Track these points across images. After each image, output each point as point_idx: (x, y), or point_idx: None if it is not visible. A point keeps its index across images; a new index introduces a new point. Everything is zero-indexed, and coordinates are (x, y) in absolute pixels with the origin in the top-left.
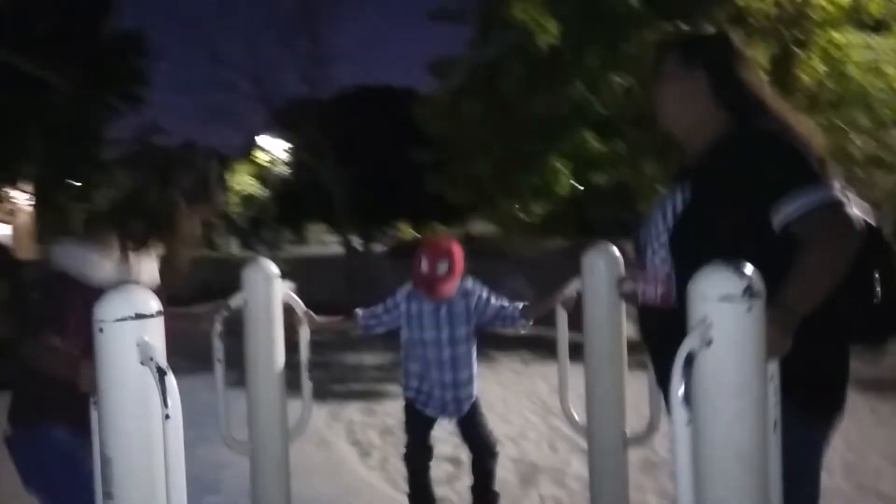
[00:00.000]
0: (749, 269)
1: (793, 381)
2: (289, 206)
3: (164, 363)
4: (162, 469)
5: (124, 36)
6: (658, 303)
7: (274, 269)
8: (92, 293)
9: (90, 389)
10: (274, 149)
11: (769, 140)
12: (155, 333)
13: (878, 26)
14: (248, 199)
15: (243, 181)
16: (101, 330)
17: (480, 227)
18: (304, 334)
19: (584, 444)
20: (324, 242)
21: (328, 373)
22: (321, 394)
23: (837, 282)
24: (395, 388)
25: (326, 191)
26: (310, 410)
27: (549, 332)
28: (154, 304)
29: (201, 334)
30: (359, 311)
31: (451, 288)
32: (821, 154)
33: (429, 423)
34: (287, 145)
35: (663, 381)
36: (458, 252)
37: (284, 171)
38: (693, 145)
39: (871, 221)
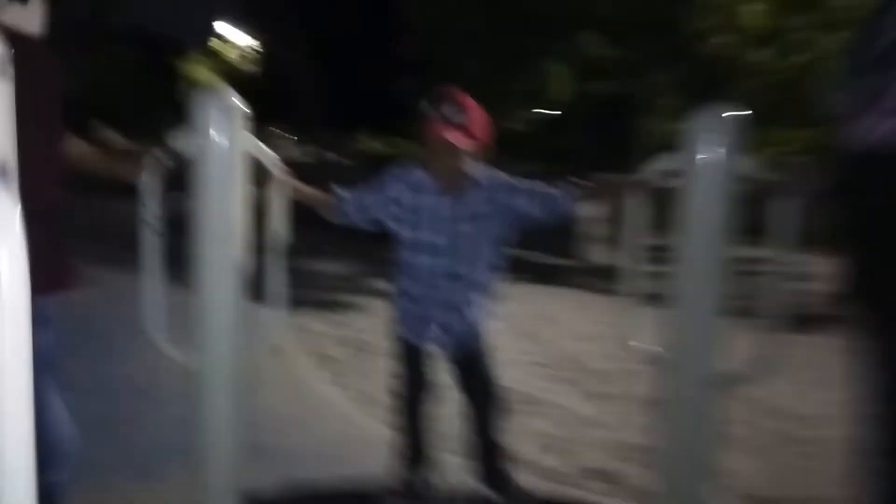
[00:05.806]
0: None
1: None
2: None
3: None
4: None
5: None
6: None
7: (239, 103)
8: None
9: None
10: (239, 42)
11: None
12: None
13: None
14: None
15: (201, 75)
16: None
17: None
18: (279, 194)
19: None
20: (281, 148)
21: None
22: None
23: None
24: (360, 300)
25: (294, 91)
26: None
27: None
28: None
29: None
30: (341, 193)
31: (463, 142)
32: None
33: (421, 353)
34: (250, 40)
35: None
36: (475, 105)
37: (250, 68)
38: None
39: None
